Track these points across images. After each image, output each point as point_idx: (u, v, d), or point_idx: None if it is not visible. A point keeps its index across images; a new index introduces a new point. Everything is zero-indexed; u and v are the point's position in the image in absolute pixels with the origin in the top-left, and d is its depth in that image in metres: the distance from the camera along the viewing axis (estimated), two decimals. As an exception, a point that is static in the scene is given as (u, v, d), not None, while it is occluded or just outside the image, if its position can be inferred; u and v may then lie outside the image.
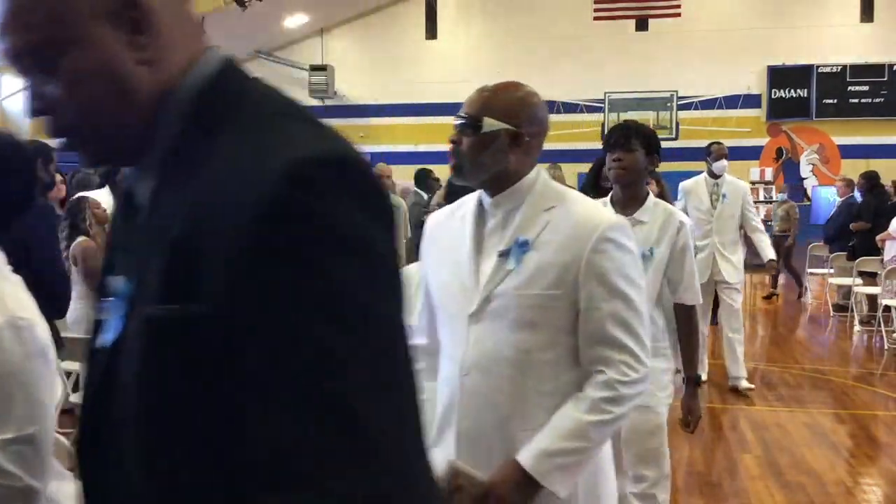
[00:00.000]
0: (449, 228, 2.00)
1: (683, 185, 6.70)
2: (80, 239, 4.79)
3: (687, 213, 6.41)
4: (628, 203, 3.17)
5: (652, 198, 3.21)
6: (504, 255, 1.84)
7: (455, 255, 1.92)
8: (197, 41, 0.94)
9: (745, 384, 6.56)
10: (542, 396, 1.80)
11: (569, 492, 1.75)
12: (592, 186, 4.12)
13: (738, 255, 6.63)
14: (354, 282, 0.76)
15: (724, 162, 6.59)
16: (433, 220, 2.09)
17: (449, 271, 1.94)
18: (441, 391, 1.93)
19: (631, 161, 3.12)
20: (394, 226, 0.84)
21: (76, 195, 5.19)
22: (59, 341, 4.16)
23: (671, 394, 3.25)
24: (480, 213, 1.94)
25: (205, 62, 0.93)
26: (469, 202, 2.00)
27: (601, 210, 1.88)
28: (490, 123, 1.86)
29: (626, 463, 3.15)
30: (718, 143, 6.74)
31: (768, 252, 6.66)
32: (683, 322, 3.22)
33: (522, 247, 1.83)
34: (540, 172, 1.93)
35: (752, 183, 14.50)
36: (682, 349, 3.24)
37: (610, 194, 3.28)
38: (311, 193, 0.76)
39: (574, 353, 1.82)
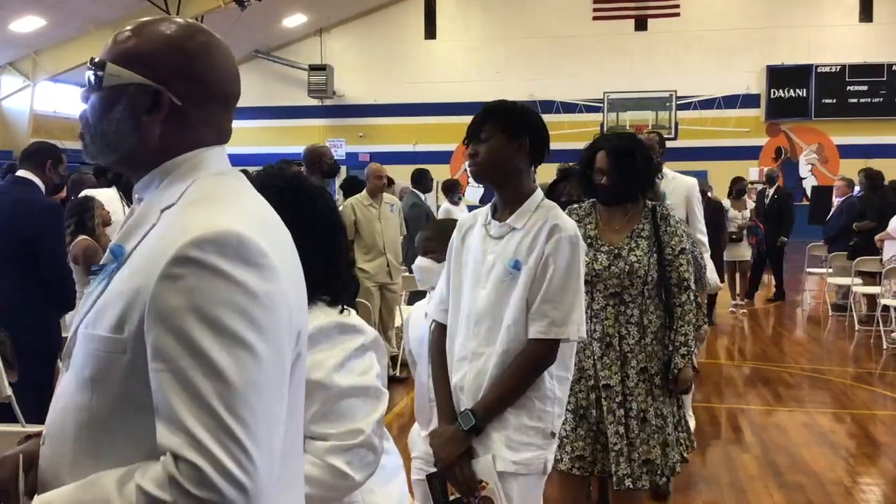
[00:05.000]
0: None
1: None
2: (80, 238, 4.78)
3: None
4: (506, 206, 2.45)
5: (537, 197, 2.44)
6: (96, 272, 1.25)
7: None
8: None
9: None
10: None
11: None
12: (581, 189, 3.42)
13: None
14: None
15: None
16: None
17: None
18: None
19: (485, 153, 2.38)
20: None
21: (83, 194, 5.19)
22: (60, 341, 4.16)
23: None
24: None
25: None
26: None
27: (217, 216, 1.15)
28: (114, 73, 1.24)
29: None
30: (649, 132, 5.55)
31: (709, 276, 5.10)
32: (520, 360, 2.33)
33: (115, 260, 1.22)
34: (210, 153, 1.28)
35: (751, 183, 14.03)
36: (490, 388, 2.35)
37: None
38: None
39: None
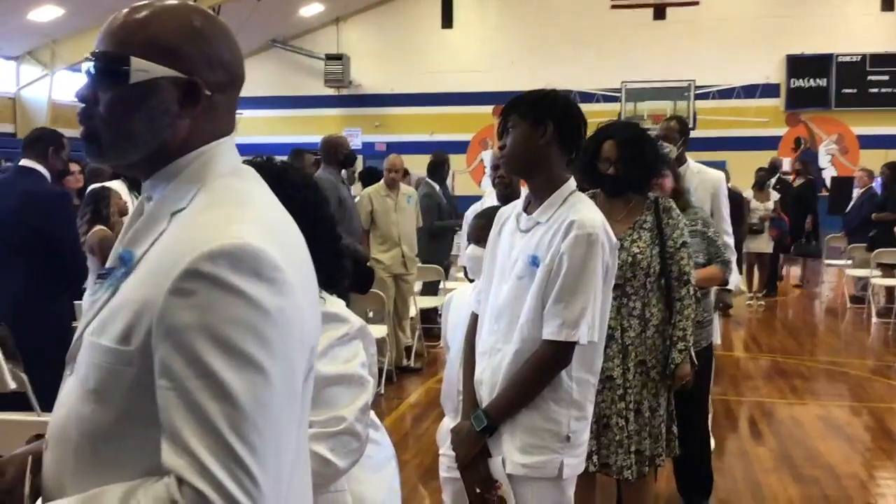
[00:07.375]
0: None
1: None
2: (97, 228, 4.82)
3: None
4: (536, 198, 2.38)
5: (566, 190, 2.36)
6: (103, 276, 1.18)
7: None
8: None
9: None
10: None
11: None
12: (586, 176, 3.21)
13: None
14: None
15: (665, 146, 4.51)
16: None
17: None
18: None
19: (510, 143, 2.34)
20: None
21: (100, 184, 5.24)
22: (72, 331, 4.20)
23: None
24: None
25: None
26: None
27: (230, 225, 1.08)
28: (141, 68, 1.13)
29: None
30: (669, 119, 5.06)
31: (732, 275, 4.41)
32: (532, 361, 2.28)
33: (124, 266, 1.15)
34: (221, 148, 1.20)
35: (783, 173, 13.37)
36: (503, 389, 2.32)
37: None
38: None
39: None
